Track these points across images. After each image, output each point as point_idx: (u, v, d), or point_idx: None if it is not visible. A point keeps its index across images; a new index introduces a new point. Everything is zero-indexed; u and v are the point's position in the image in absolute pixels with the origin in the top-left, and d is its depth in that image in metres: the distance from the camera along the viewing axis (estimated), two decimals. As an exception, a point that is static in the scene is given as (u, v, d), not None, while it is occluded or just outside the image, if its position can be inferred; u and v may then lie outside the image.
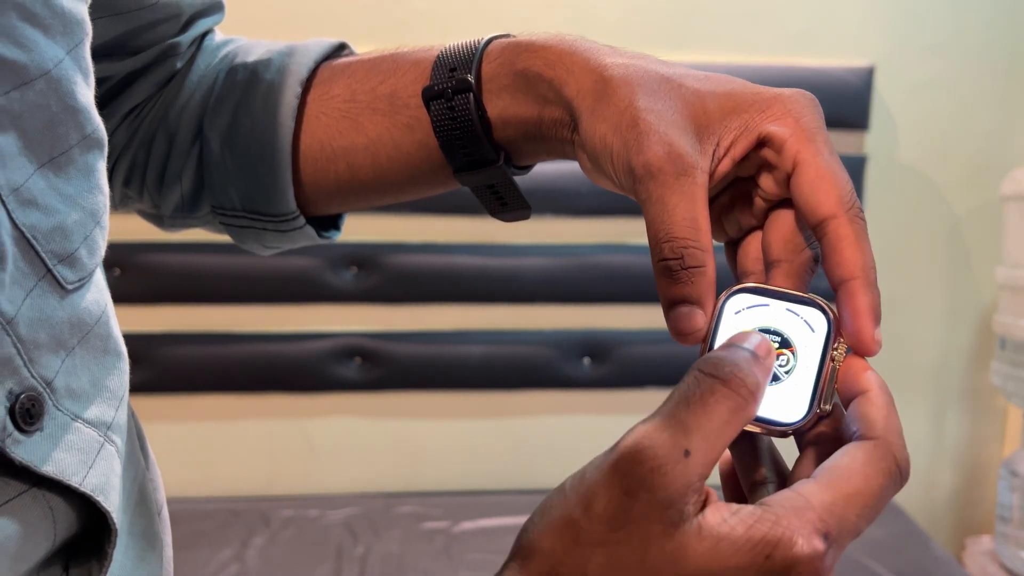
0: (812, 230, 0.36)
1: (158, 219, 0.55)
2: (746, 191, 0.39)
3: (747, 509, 0.29)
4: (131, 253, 1.55)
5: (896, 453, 0.30)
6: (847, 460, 0.30)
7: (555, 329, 1.66)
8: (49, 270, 0.31)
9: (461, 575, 1.37)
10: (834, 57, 1.62)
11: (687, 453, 0.29)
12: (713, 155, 0.36)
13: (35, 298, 0.30)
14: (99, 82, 0.34)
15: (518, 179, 0.46)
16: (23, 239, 0.30)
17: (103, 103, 0.34)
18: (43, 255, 0.30)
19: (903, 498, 1.66)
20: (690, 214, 0.35)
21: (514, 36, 0.44)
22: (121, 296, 1.57)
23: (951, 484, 1.81)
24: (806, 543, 0.28)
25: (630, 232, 1.64)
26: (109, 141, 0.35)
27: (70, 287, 0.32)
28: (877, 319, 0.34)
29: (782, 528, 0.28)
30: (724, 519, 0.29)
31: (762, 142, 0.37)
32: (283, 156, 0.48)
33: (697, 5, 1.60)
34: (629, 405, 1.69)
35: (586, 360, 1.68)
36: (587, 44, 0.41)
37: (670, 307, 0.35)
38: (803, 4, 1.62)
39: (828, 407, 0.34)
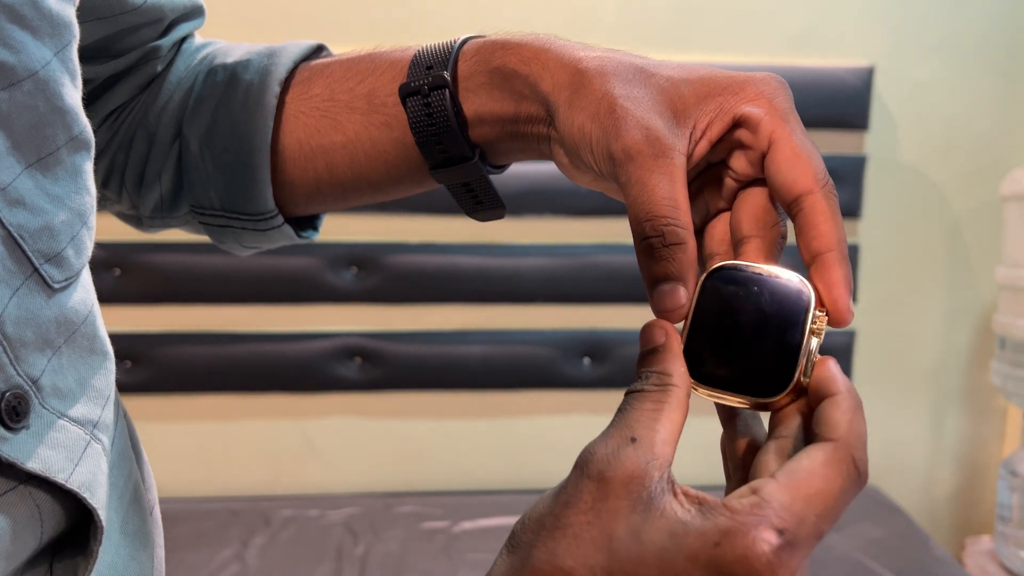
0: (787, 206, 0.37)
1: (136, 220, 0.55)
2: (716, 175, 0.40)
3: (710, 501, 0.30)
4: (131, 253, 1.55)
5: (855, 455, 0.31)
6: (807, 461, 0.30)
7: (555, 329, 1.67)
8: (36, 269, 0.31)
9: (461, 575, 1.37)
10: (834, 57, 1.62)
11: (633, 440, 0.31)
12: (690, 138, 0.38)
13: (21, 297, 0.30)
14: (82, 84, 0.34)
15: (494, 178, 0.47)
16: (10, 238, 0.30)
17: (84, 105, 0.35)
18: (30, 254, 0.31)
19: (903, 498, 1.66)
20: (669, 193, 0.36)
21: (489, 36, 0.45)
22: (121, 296, 1.59)
23: (951, 484, 1.80)
24: (757, 536, 0.28)
25: (630, 232, 1.64)
26: None
27: (57, 286, 0.32)
28: (851, 291, 0.35)
29: (735, 521, 0.29)
30: (686, 507, 0.30)
31: (737, 123, 0.38)
32: (262, 155, 0.48)
33: (697, 5, 1.60)
34: (629, 405, 1.69)
35: (586, 360, 1.68)
36: (561, 42, 0.42)
37: (652, 285, 0.37)
38: (803, 4, 1.62)
39: (807, 380, 0.34)
